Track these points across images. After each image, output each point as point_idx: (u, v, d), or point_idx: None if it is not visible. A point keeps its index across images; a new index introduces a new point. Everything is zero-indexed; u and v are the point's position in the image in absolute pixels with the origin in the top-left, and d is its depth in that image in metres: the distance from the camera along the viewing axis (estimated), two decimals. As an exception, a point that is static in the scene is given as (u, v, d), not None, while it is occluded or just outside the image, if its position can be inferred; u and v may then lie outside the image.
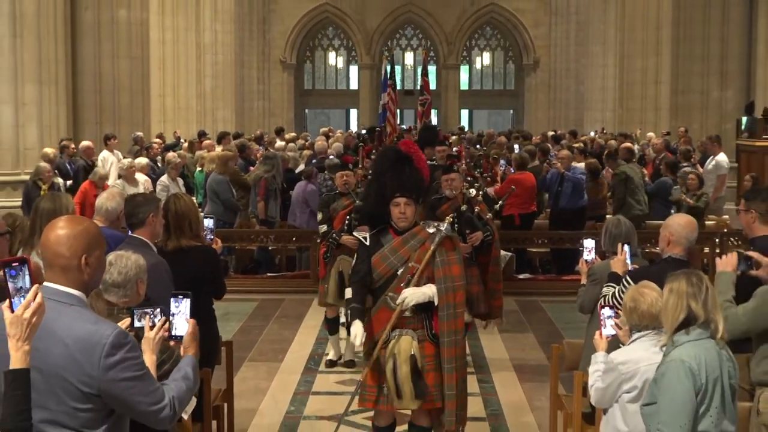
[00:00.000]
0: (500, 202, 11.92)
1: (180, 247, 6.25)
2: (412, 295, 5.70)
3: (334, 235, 8.97)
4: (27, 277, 3.08)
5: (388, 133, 21.12)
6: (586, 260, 6.55)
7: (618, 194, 14.14)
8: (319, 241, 9.97)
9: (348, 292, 6.14)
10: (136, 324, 4.11)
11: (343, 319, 9.44)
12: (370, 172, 8.37)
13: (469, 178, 11.93)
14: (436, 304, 5.75)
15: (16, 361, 3.04)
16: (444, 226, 5.80)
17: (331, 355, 9.48)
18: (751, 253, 5.54)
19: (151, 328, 3.98)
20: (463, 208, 8.44)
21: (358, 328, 5.79)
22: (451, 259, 5.83)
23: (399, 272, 5.80)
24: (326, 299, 9.26)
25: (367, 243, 5.93)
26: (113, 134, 17.44)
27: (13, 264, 3.08)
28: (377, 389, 5.82)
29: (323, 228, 9.27)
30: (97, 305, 4.21)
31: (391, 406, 5.83)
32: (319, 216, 9.46)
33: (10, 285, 3.05)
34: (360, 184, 10.02)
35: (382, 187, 5.89)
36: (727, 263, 5.36)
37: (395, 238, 5.86)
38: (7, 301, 3.05)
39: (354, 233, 6.40)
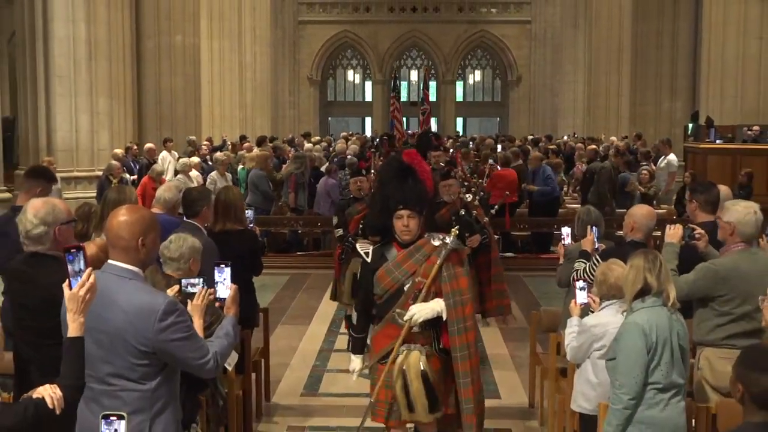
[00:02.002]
0: (496, 206, 11.79)
1: (226, 229, 6.26)
2: (421, 311, 4.67)
3: (350, 238, 7.81)
4: (83, 261, 3.06)
5: (397, 138, 20.90)
6: (563, 244, 6.47)
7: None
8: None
9: (354, 316, 4.94)
10: (188, 290, 4.14)
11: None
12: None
13: (465, 183, 11.06)
14: (444, 319, 4.72)
15: (72, 330, 3.04)
16: (450, 239, 4.74)
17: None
18: (694, 226, 5.52)
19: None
20: (462, 212, 7.58)
21: (356, 363, 5.03)
22: (458, 272, 4.78)
23: (405, 287, 4.75)
24: (341, 299, 8.20)
25: (369, 259, 4.88)
26: (170, 138, 17.46)
27: (72, 250, 3.06)
28: (387, 404, 4.84)
29: (339, 231, 8.20)
30: (156, 278, 4.22)
31: (398, 421, 4.86)
32: (335, 220, 8.39)
33: (69, 267, 3.04)
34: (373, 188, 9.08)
35: (385, 199, 4.84)
36: (673, 235, 5.32)
37: (399, 251, 4.80)
38: (67, 280, 3.04)
39: (357, 246, 5.23)
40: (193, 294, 4.03)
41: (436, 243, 4.73)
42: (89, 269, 3.07)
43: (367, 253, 4.91)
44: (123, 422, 2.66)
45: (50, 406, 2.85)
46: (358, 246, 5.16)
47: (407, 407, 4.72)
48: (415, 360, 4.73)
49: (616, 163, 14.40)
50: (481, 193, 13.56)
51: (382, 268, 4.78)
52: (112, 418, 2.68)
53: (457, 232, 4.85)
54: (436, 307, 4.69)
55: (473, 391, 4.74)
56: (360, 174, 8.51)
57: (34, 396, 2.89)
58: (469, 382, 4.72)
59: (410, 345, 4.76)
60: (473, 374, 4.75)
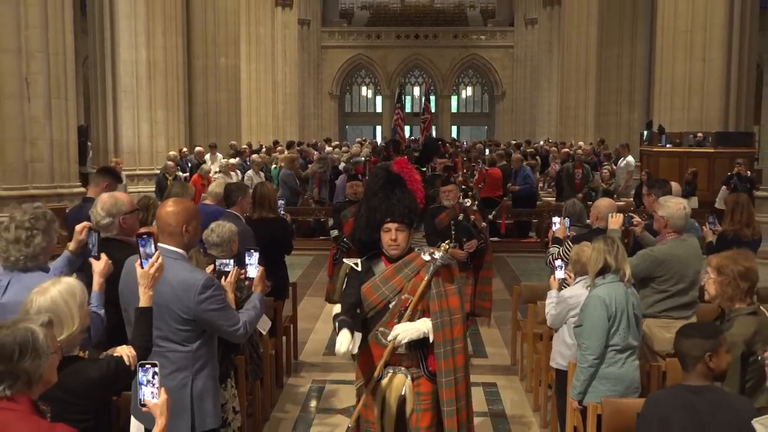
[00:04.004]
0: (494, 212, 11.60)
1: (262, 217, 6.28)
2: (405, 331, 3.62)
3: (344, 239, 6.89)
4: (153, 246, 3.09)
5: (400, 144, 20.66)
6: (553, 230, 6.32)
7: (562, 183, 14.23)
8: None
9: (336, 308, 3.82)
10: (222, 270, 4.19)
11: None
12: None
13: (463, 187, 9.62)
14: (431, 340, 3.64)
15: (143, 302, 3.08)
16: (439, 254, 3.67)
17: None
18: (632, 214, 5.50)
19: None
20: (460, 217, 6.69)
21: (344, 335, 3.58)
22: (449, 289, 3.69)
23: (391, 304, 3.68)
24: (333, 296, 7.07)
25: (359, 269, 3.78)
26: (215, 143, 17.46)
27: (144, 236, 3.10)
28: (367, 423, 3.79)
29: (335, 232, 7.30)
30: (200, 258, 4.24)
31: None
32: (331, 222, 7.55)
33: (141, 250, 3.07)
34: None
35: (372, 211, 3.75)
36: (615, 222, 5.31)
37: (387, 266, 3.73)
38: (139, 260, 3.08)
39: (344, 260, 4.07)
40: (227, 273, 4.05)
41: (426, 258, 3.69)
42: (158, 252, 3.10)
43: (356, 263, 3.82)
44: (156, 369, 2.68)
45: (127, 363, 2.88)
46: (345, 260, 4.03)
47: None
48: (398, 384, 3.73)
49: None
50: (475, 192, 13.47)
51: (369, 283, 3.72)
52: (147, 366, 2.69)
53: (448, 247, 3.78)
54: (422, 327, 3.64)
55: (458, 421, 3.64)
56: (356, 178, 7.77)
57: (114, 354, 2.93)
58: (453, 411, 3.63)
59: (395, 367, 3.74)
60: (459, 402, 3.66)
